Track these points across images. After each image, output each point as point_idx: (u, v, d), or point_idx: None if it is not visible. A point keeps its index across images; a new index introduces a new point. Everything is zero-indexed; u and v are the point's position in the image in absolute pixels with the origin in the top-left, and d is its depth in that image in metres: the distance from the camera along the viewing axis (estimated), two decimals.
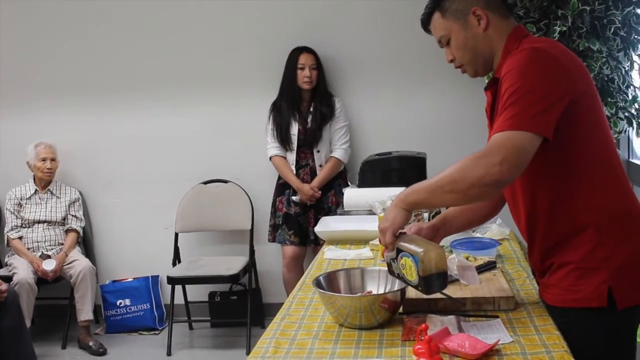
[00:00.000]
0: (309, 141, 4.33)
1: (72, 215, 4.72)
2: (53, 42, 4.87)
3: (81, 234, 4.76)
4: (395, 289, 1.98)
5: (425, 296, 1.98)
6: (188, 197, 4.74)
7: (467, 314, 1.97)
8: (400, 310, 1.98)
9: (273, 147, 4.39)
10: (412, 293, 2.02)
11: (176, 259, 4.67)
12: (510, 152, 1.69)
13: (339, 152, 4.35)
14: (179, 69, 4.77)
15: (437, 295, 1.97)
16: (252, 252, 4.62)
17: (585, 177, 1.82)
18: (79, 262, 4.49)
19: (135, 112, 4.84)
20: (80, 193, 4.85)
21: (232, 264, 4.44)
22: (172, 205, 4.72)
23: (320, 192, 4.29)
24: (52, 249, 4.57)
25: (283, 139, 4.33)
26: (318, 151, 4.34)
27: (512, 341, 1.76)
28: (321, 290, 1.95)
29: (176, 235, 4.70)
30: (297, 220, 4.35)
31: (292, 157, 4.35)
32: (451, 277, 2.15)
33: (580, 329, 1.83)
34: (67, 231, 4.68)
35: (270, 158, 4.41)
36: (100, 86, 4.85)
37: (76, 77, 4.87)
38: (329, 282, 2.05)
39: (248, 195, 4.68)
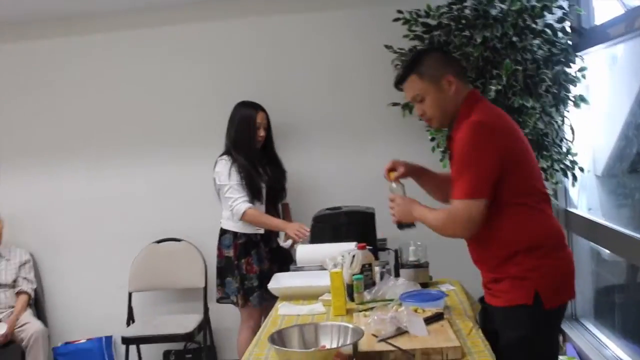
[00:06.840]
0: (274, 197, 4.24)
1: (23, 278, 4.68)
2: None
3: (32, 296, 4.71)
4: (348, 342, 2.07)
5: (376, 349, 2.10)
6: (141, 256, 4.76)
7: None
8: None
9: (243, 201, 4.04)
10: (364, 346, 2.12)
11: (130, 318, 4.66)
12: (467, 222, 2.29)
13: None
14: (129, 131, 4.84)
15: (388, 347, 2.09)
16: (206, 310, 4.63)
17: (508, 216, 2.33)
18: (30, 325, 4.44)
19: (86, 173, 4.88)
20: (31, 254, 4.83)
21: (187, 322, 4.44)
22: (125, 265, 4.72)
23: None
24: (2, 312, 4.50)
25: (254, 193, 4.09)
26: (279, 206, 4.34)
27: None
28: (276, 347, 2.03)
29: (130, 294, 4.70)
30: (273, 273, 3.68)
31: (262, 209, 4.14)
32: (400, 330, 2.26)
33: (512, 323, 2.34)
34: (17, 293, 4.63)
35: (244, 212, 4.03)
36: (50, 148, 4.90)
37: (23, 140, 4.93)
38: (283, 338, 2.13)
39: (201, 253, 4.71)
